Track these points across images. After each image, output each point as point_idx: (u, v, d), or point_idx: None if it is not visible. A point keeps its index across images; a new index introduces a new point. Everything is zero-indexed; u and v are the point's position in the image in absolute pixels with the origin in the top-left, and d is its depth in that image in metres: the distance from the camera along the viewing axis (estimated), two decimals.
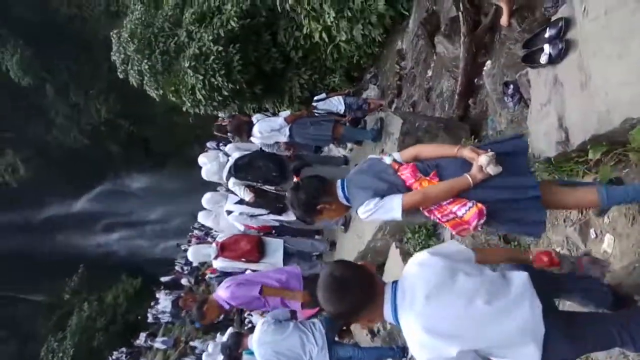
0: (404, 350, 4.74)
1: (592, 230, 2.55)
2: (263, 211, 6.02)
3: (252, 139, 5.65)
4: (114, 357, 22.00)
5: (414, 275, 1.70)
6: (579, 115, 2.32)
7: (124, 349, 22.17)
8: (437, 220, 2.09)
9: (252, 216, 6.13)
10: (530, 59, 2.78)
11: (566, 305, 2.25)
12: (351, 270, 1.69)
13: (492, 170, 1.92)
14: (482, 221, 1.95)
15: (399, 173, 2.11)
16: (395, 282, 1.71)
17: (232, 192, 6.11)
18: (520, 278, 1.66)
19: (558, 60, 2.50)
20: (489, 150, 1.97)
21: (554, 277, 1.86)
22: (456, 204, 1.98)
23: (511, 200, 1.99)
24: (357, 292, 1.65)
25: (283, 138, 5.40)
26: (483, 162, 1.92)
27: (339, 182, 2.22)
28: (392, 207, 2.02)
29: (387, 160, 2.18)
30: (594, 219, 2.52)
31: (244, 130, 5.61)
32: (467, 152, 2.00)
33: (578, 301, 2.06)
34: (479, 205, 1.93)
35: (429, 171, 2.07)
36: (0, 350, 31.26)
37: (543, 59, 2.59)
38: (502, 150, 2.00)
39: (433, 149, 2.19)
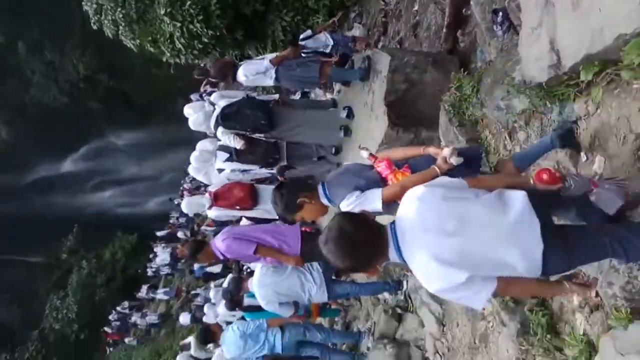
0: (399, 283, 4.90)
1: (582, 153, 2.57)
2: (254, 166, 5.97)
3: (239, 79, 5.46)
4: (119, 310, 22.51)
5: (412, 211, 1.73)
6: (572, 35, 2.26)
7: (126, 303, 22.66)
8: None
9: (243, 171, 6.08)
10: None
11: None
12: (360, 223, 1.72)
13: (454, 160, 2.18)
14: None
15: (375, 165, 2.37)
16: (393, 223, 1.75)
17: (221, 149, 5.95)
18: (517, 198, 1.69)
19: None
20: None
21: (552, 193, 1.88)
22: None
23: None
24: (369, 245, 1.69)
25: (269, 81, 5.25)
26: (446, 153, 2.19)
27: (320, 184, 2.42)
28: (374, 199, 2.24)
29: (364, 154, 2.46)
30: (585, 144, 2.54)
31: (228, 73, 5.40)
32: (432, 150, 2.30)
33: (571, 218, 2.11)
34: None
35: (401, 165, 2.35)
36: (5, 312, 31.89)
37: None
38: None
39: (402, 152, 2.45)
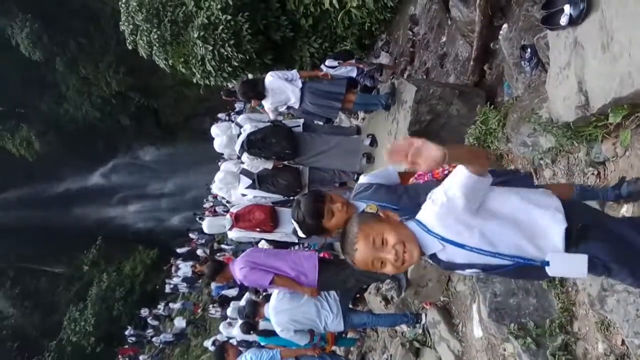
0: (417, 316, 4.81)
1: None
2: (277, 196, 6.02)
3: (264, 102, 5.53)
4: (142, 316, 22.54)
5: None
6: (600, 78, 2.25)
7: (146, 310, 22.61)
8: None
9: (265, 197, 6.14)
10: (550, 21, 2.69)
11: None
12: None
13: None
14: None
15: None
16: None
17: (244, 174, 6.01)
18: None
19: (579, 21, 2.41)
20: None
21: None
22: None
23: None
24: None
25: (294, 93, 5.24)
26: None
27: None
28: None
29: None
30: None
31: (253, 94, 5.42)
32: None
33: None
34: None
35: None
36: (25, 321, 32.40)
37: (563, 20, 2.50)
38: None
39: None
